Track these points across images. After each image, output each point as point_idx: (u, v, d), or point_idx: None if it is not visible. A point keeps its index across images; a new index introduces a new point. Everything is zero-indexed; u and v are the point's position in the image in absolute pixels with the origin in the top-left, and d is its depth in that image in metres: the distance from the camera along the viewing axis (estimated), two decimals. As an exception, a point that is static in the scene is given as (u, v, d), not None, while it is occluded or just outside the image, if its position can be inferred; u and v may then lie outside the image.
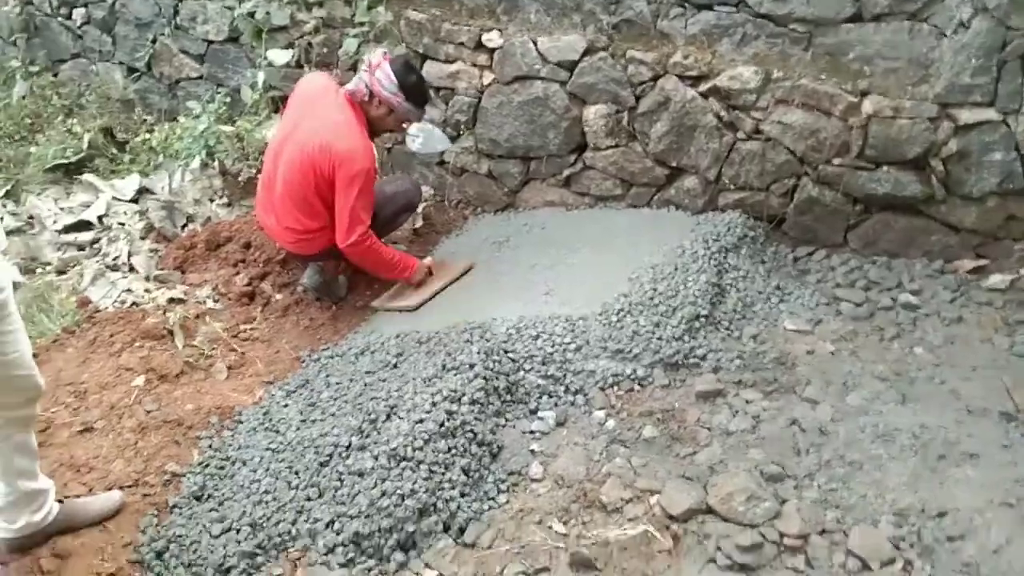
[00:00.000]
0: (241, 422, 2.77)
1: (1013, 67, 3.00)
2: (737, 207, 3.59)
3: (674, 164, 3.66)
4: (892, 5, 3.14)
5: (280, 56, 4.35)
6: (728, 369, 2.76)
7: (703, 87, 3.48)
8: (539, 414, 2.65)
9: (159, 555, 2.26)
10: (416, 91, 3.24)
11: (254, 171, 4.06)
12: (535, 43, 3.74)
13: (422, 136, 3.66)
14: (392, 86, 3.16)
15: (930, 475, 2.21)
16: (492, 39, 3.78)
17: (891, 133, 3.18)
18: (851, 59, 3.26)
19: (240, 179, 4.09)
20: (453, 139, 4.06)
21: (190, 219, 4.07)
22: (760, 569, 1.98)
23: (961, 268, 3.24)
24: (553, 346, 2.82)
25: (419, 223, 3.99)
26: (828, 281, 3.29)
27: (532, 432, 2.58)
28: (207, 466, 2.57)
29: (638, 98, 3.63)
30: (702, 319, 2.92)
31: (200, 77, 4.91)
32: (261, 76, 4.38)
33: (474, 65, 3.91)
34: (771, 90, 3.36)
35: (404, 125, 3.47)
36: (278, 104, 4.43)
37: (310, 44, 4.30)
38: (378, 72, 3.16)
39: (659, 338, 2.82)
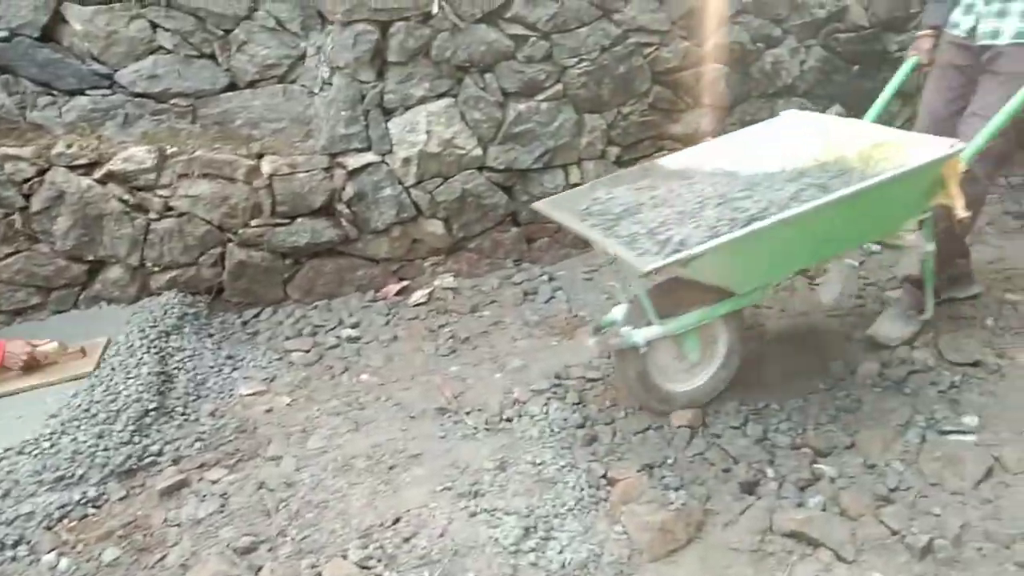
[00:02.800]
0: None
1: (375, 114, 3.46)
2: (172, 287, 3.48)
3: (91, 258, 3.40)
4: (261, 72, 3.37)
5: None
6: (189, 456, 2.64)
7: (98, 174, 3.29)
8: (-32, 589, 2.20)
9: None
10: None
11: None
12: None
13: None
14: None
15: (385, 488, 2.40)
16: None
17: (294, 188, 3.41)
18: (239, 125, 3.41)
19: None
20: None
21: None
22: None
23: (388, 293, 3.63)
24: (-29, 501, 2.37)
25: None
26: (278, 336, 3.39)
27: (-37, 614, 2.13)
28: None
29: (27, 196, 3.28)
30: (152, 413, 2.75)
31: None
32: None
33: None
34: (170, 166, 3.33)
35: None
36: None
37: None
38: None
39: (105, 449, 2.57)
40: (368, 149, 3.49)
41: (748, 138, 2.93)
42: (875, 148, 2.61)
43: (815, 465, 2.33)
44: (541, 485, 2.30)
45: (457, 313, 3.45)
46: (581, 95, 3.63)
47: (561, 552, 2.09)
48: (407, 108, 3.48)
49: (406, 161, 3.52)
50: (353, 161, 3.48)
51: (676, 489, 2.26)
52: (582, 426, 2.58)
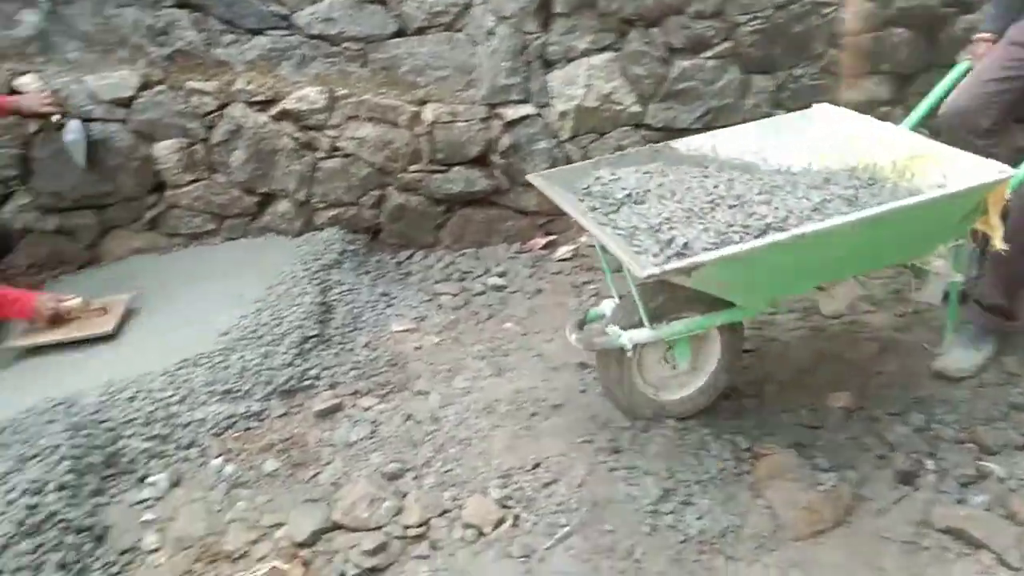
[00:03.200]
0: None
1: (536, 66, 3.45)
2: (334, 223, 3.65)
3: (262, 190, 3.61)
4: (428, 19, 3.43)
5: None
6: (344, 382, 2.79)
7: (273, 111, 3.47)
8: (149, 480, 2.43)
9: None
10: None
11: None
12: (82, 82, 3.41)
13: (75, 133, 3.35)
14: None
15: (526, 433, 2.45)
16: (26, 83, 3.36)
17: (453, 136, 3.48)
18: (405, 71, 3.50)
19: None
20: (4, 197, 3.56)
21: None
22: (389, 568, 2.03)
23: (534, 246, 3.66)
24: (154, 404, 2.60)
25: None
26: (429, 279, 3.50)
27: (143, 501, 2.35)
28: None
29: (209, 128, 3.51)
30: (312, 339, 2.92)
31: None
32: None
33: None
34: (339, 108, 3.46)
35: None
36: None
37: None
38: None
39: (270, 368, 2.76)
40: (526, 101, 3.50)
41: (774, 129, 2.71)
42: (912, 160, 2.36)
43: (981, 462, 2.19)
44: (683, 450, 2.28)
45: (601, 271, 3.43)
46: (750, 54, 3.48)
47: (700, 518, 2.07)
48: (568, 61, 3.46)
49: (563, 115, 3.51)
50: (511, 112, 3.50)
51: (826, 470, 2.19)
52: (728, 397, 2.53)
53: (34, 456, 2.34)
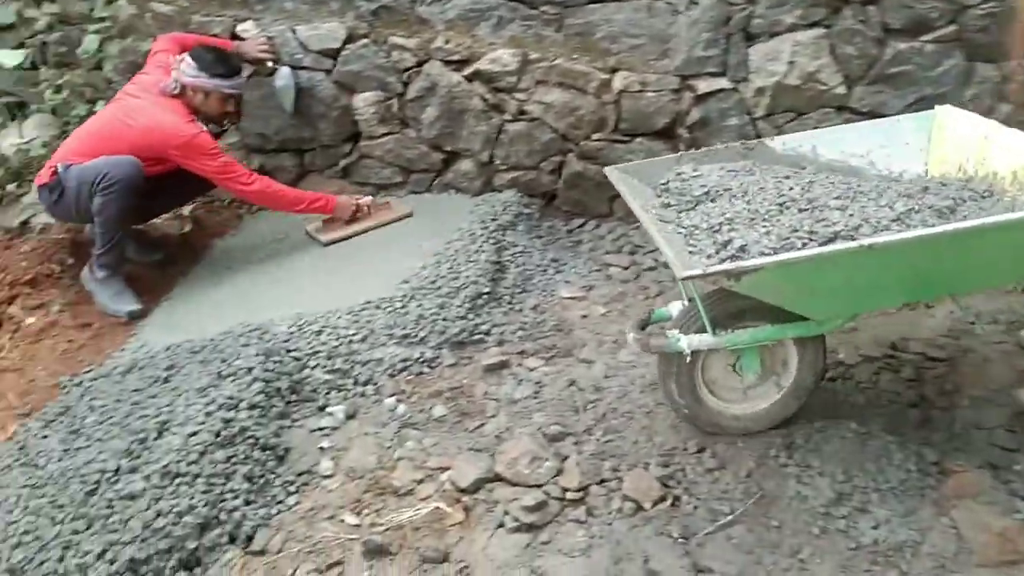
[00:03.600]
0: (-9, 463, 2.49)
1: (737, 39, 3.31)
2: (512, 186, 3.70)
3: (449, 148, 3.71)
4: (630, -15, 3.36)
5: (10, 57, 3.93)
6: (512, 341, 2.85)
7: (467, 71, 3.54)
8: (328, 410, 2.59)
9: None
10: (216, 65, 3.26)
11: (-11, 186, 3.65)
12: (294, 32, 3.63)
13: (285, 79, 3.62)
14: (194, 69, 3.23)
15: (692, 415, 2.40)
16: (247, 29, 3.63)
17: (640, 106, 3.42)
18: (599, 38, 3.46)
19: (-27, 195, 3.66)
20: (217, 135, 3.87)
21: (-84, 244, 3.59)
22: (546, 526, 2.06)
23: (713, 226, 3.54)
24: (338, 339, 2.78)
25: (188, 227, 3.77)
26: (599, 249, 3.48)
27: (321, 429, 2.52)
28: (-49, 517, 2.28)
29: (406, 84, 3.64)
30: (485, 296, 2.99)
31: (-85, 84, 4.32)
32: (-11, 80, 3.94)
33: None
34: (530, 71, 3.48)
35: (229, 107, 3.41)
36: (13, 111, 4.00)
37: (45, 43, 3.92)
38: (182, 65, 3.24)
39: (444, 319, 2.86)
40: (723, 74, 3.37)
41: (885, 131, 2.43)
42: None
43: None
44: (863, 455, 2.15)
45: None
46: (977, 40, 3.16)
47: (876, 528, 1.96)
48: (772, 35, 3.28)
49: (760, 91, 3.35)
50: (704, 85, 3.38)
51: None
52: (915, 405, 2.37)
53: (230, 375, 2.55)
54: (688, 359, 2.09)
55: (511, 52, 3.47)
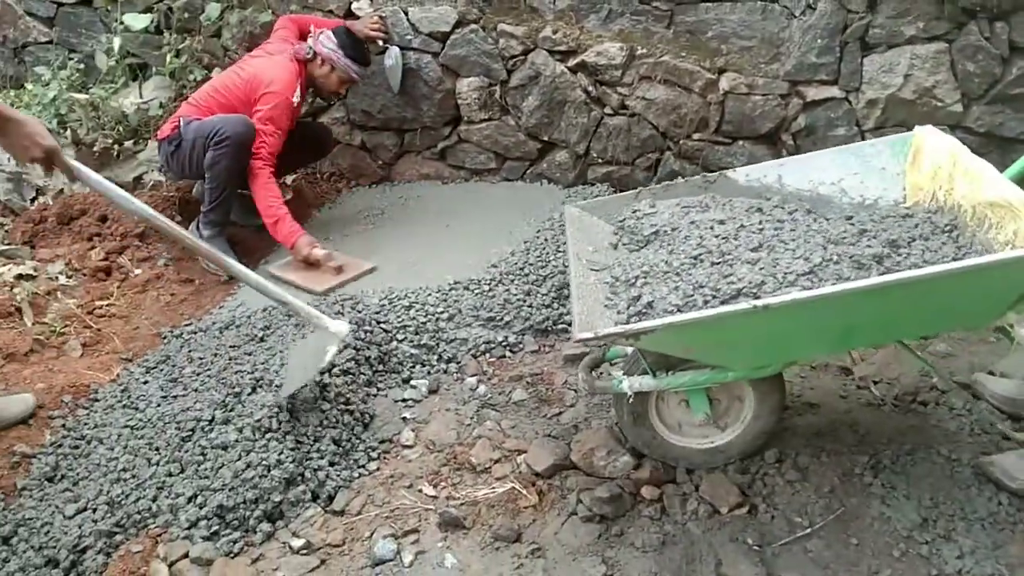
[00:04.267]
0: (97, 400, 2.64)
1: (853, 48, 3.23)
2: (605, 180, 3.70)
3: (546, 138, 3.74)
4: (746, -13, 3.31)
5: (138, 21, 4.12)
6: (595, 334, 2.85)
7: (572, 62, 3.56)
8: (412, 383, 2.67)
9: (6, 540, 2.13)
10: (354, 49, 3.46)
11: (110, 141, 3.85)
12: (406, 13, 3.71)
13: (394, 59, 3.72)
14: (332, 44, 3.41)
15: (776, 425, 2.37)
16: (362, 7, 3.73)
17: (745, 109, 3.37)
18: (710, 37, 3.42)
19: (95, 149, 3.86)
20: (325, 108, 3.99)
21: (40, 192, 3.82)
22: (618, 519, 2.07)
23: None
24: (426, 316, 2.84)
25: (288, 196, 3.89)
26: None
27: (404, 400, 2.59)
28: (60, 446, 2.44)
29: (510, 72, 3.68)
30: (569, 288, 3.00)
31: (49, 41, 4.59)
32: (117, 42, 4.14)
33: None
34: (635, 66, 3.47)
35: (343, 89, 3.65)
36: (136, 71, 4.20)
37: (170, 9, 4.10)
38: (321, 36, 3.43)
39: (530, 306, 2.89)
40: (834, 83, 3.29)
41: (859, 155, 2.30)
42: (991, 208, 1.93)
43: None
44: (951, 483, 2.08)
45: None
46: (1114, 65, 3.00)
47: (960, 557, 1.90)
48: (890, 47, 3.18)
49: (871, 103, 3.25)
50: (814, 92, 3.31)
51: None
52: (1008, 438, 2.27)
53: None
54: (629, 400, 2.06)
55: (618, 46, 3.46)
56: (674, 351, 1.95)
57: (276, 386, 2.44)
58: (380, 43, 3.68)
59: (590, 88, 3.56)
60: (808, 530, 1.99)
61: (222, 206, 3.32)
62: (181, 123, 3.28)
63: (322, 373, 2.39)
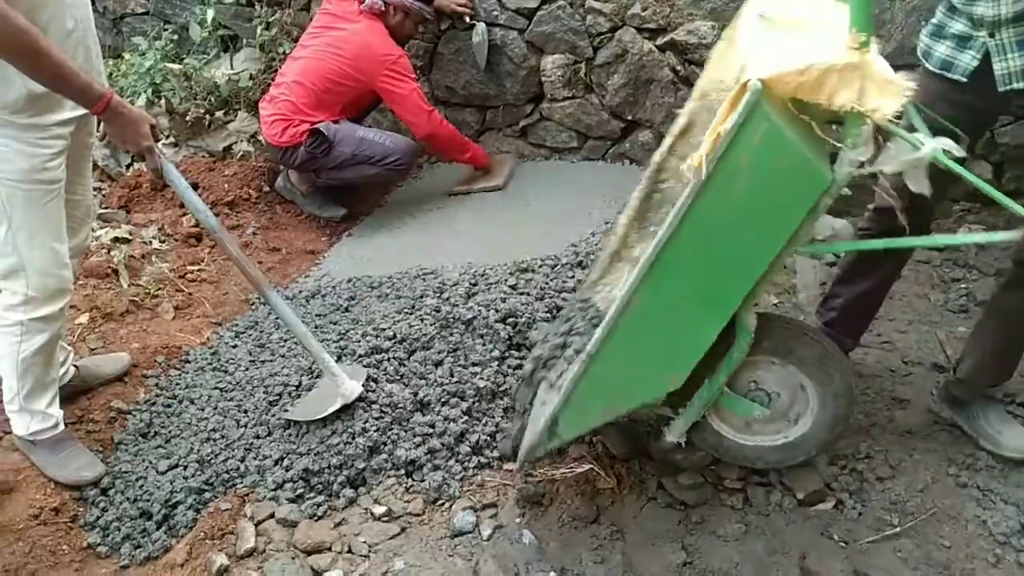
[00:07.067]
0: (188, 361, 2.74)
1: (960, 31, 3.07)
2: (686, 164, 3.62)
3: (629, 117, 3.68)
4: (848, -35, 3.18)
5: (230, -7, 4.21)
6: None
7: (660, 40, 3.48)
8: (490, 358, 2.67)
9: (104, 491, 2.24)
10: None
11: (202, 110, 3.95)
12: (493, -11, 3.69)
13: (481, 35, 3.73)
14: None
15: (863, 420, 2.30)
16: (450, -16, 3.72)
17: (842, 93, 3.24)
18: (806, 17, 3.30)
19: (188, 118, 3.97)
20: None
21: (135, 158, 3.95)
22: (699, 507, 2.05)
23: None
24: (505, 293, 2.84)
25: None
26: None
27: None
28: (154, 404, 2.54)
29: (596, 49, 3.62)
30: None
31: (146, 12, 4.72)
32: (211, 13, 4.23)
33: (431, 9, 3.85)
34: (726, 46, 3.38)
35: (420, 29, 3.78)
36: (227, 43, 4.30)
37: (263, -19, 4.18)
38: None
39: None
40: (937, 68, 3.14)
41: None
42: None
43: None
44: (1054, 489, 2.00)
45: (979, 271, 3.05)
46: None
47: (1060, 569, 1.82)
48: (1002, 30, 3.02)
49: (977, 90, 3.10)
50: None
51: None
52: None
53: (407, 311, 2.68)
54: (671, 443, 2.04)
55: (710, 24, 3.37)
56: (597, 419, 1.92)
57: (359, 356, 2.48)
58: (467, 19, 3.67)
59: (678, 67, 3.49)
60: (897, 529, 1.93)
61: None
62: (323, 128, 3.40)
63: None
